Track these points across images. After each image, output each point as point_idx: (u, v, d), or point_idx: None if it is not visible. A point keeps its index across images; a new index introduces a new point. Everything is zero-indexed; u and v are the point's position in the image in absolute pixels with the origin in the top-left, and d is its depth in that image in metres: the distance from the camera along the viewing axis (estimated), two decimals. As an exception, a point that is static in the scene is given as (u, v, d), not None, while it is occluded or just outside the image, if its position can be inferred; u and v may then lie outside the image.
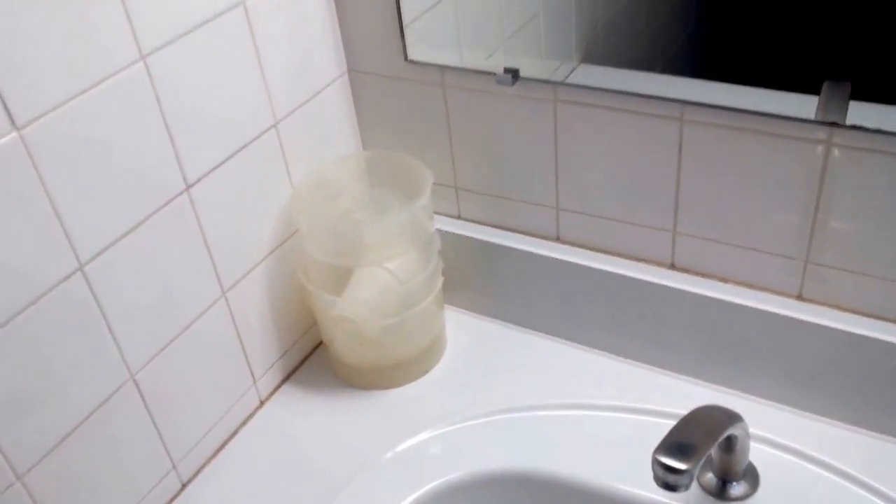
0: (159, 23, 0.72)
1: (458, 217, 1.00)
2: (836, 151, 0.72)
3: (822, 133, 0.72)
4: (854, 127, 0.70)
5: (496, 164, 0.93)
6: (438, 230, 0.96)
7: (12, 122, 0.62)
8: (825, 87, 0.71)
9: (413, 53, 0.89)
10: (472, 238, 0.97)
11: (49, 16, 0.63)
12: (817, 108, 0.71)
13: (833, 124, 0.71)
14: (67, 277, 0.69)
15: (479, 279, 1.00)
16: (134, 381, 0.77)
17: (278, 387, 0.97)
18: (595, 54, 0.94)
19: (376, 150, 0.99)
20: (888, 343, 0.77)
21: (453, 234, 0.98)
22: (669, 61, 1.00)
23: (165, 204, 0.76)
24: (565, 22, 0.93)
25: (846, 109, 0.70)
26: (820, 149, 0.73)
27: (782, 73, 0.88)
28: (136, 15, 0.69)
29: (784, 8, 0.80)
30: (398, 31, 0.88)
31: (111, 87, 0.69)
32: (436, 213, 0.98)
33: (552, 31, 0.92)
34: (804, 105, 0.72)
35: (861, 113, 0.70)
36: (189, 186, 0.78)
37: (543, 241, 0.95)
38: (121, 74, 0.69)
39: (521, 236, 0.96)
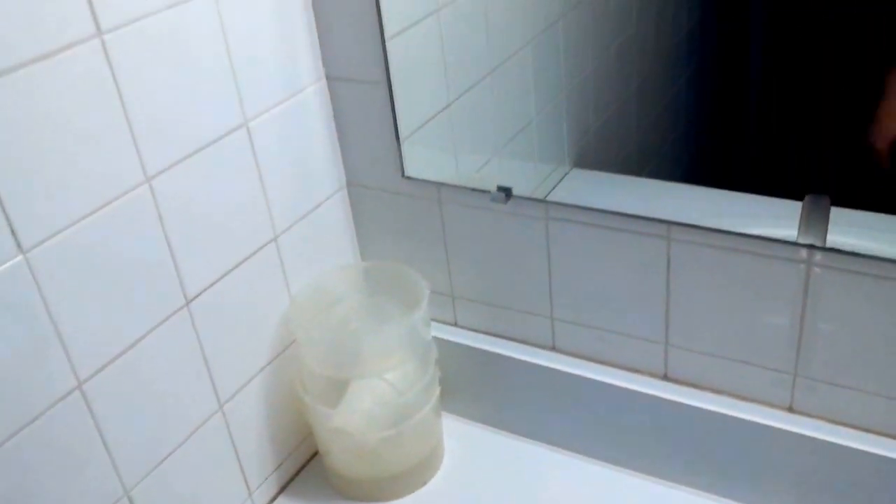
0: (165, 146, 0.74)
1: (455, 324, 1.01)
2: (816, 270, 0.74)
3: (802, 253, 0.74)
4: (832, 249, 0.72)
5: (491, 275, 0.95)
6: (435, 338, 0.96)
7: (19, 246, 0.64)
8: (806, 201, 0.73)
9: (410, 170, 0.91)
10: (468, 346, 0.98)
11: (58, 142, 0.65)
12: (798, 227, 0.72)
13: (812, 246, 0.73)
14: (65, 396, 0.70)
15: (476, 387, 1.00)
16: (128, 497, 0.77)
17: (273, 499, 0.96)
18: (587, 158, 0.97)
19: (374, 261, 1.01)
20: (875, 455, 0.77)
21: (450, 341, 0.99)
22: (660, 162, 1.04)
23: (165, 320, 0.78)
24: (557, 129, 0.97)
25: (825, 228, 0.72)
26: (801, 267, 0.75)
27: (767, 178, 0.91)
28: (142, 139, 0.72)
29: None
30: (395, 147, 0.90)
31: (115, 208, 0.71)
32: (433, 319, 0.99)
33: (545, 138, 0.96)
34: (788, 211, 0.74)
35: (844, 220, 0.72)
36: (189, 301, 0.80)
37: (539, 350, 0.95)
38: (126, 196, 0.72)
39: (517, 345, 0.97)
